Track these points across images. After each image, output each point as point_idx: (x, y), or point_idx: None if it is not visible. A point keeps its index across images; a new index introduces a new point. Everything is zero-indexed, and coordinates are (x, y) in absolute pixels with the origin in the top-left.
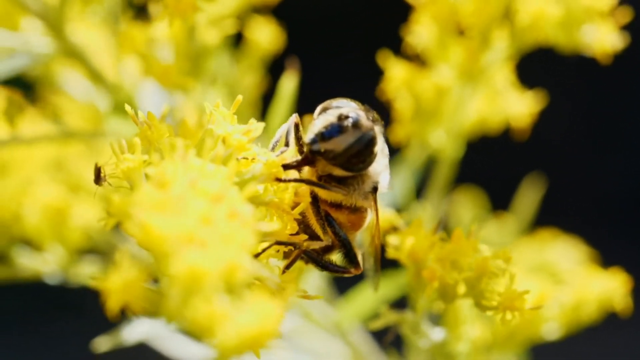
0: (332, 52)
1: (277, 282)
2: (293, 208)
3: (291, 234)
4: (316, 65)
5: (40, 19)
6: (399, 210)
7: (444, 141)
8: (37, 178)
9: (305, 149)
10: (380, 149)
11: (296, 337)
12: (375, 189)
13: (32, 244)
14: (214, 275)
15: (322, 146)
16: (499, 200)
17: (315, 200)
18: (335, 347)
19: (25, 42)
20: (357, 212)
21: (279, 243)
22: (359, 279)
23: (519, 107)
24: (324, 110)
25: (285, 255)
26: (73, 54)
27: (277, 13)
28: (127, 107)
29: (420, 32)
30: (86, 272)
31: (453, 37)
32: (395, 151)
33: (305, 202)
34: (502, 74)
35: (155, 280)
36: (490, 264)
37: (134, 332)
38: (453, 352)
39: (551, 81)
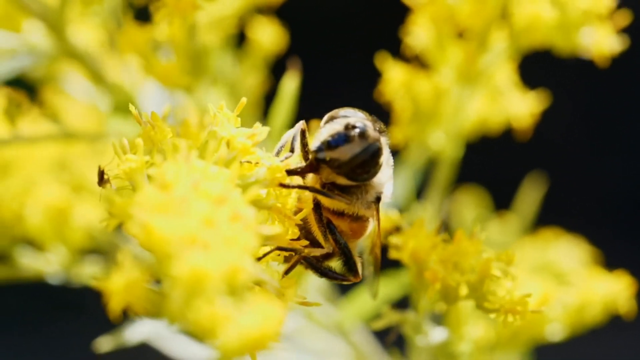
0: (334, 52)
1: (276, 286)
2: (295, 214)
3: (292, 239)
4: (318, 65)
5: (41, 20)
6: (400, 211)
7: (444, 142)
8: (39, 178)
9: (310, 156)
10: (386, 159)
11: (298, 337)
12: (378, 199)
13: (34, 244)
14: (216, 277)
15: (328, 154)
16: (501, 200)
17: (317, 207)
18: (337, 347)
19: (26, 43)
20: (359, 220)
21: (280, 249)
22: (360, 281)
23: (521, 107)
24: (331, 118)
25: (286, 260)
26: (74, 54)
27: (280, 14)
28: (131, 107)
29: (419, 33)
30: (88, 272)
31: (451, 38)
32: (395, 152)
33: (308, 209)
34: (503, 75)
35: (157, 281)
36: (493, 266)
37: (135, 332)
38: (455, 352)
39: (552, 81)
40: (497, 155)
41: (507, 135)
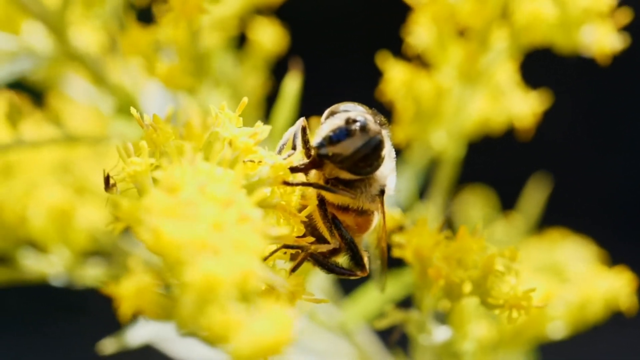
0: (336, 52)
1: (286, 285)
2: (300, 211)
3: (298, 237)
4: (320, 66)
5: (42, 22)
6: (403, 210)
7: (445, 142)
8: (42, 180)
9: (312, 152)
10: (388, 152)
11: (302, 338)
12: (382, 192)
13: (37, 246)
14: (228, 282)
15: (330, 150)
16: (503, 200)
17: (322, 203)
18: (340, 347)
19: (27, 46)
20: (364, 214)
21: (286, 247)
22: (364, 279)
23: (522, 107)
24: (332, 114)
25: (292, 258)
26: (75, 57)
27: (280, 14)
28: (133, 110)
29: (420, 33)
30: (91, 274)
31: (452, 37)
32: (397, 152)
33: (312, 205)
34: (504, 74)
35: (166, 286)
36: (497, 262)
37: (138, 334)
38: (459, 351)
39: (553, 80)
40: (498, 155)
41: (509, 135)
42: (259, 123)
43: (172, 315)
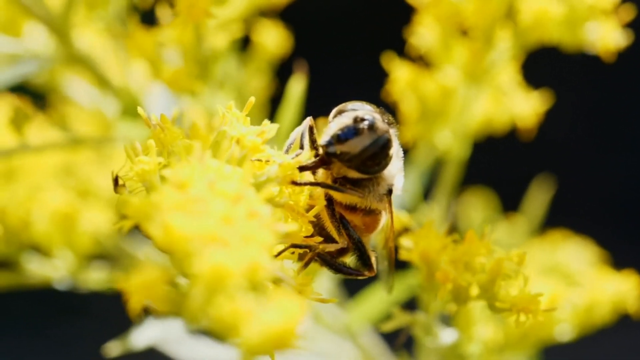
0: (340, 54)
1: (294, 284)
2: (307, 210)
3: (306, 236)
4: (324, 67)
5: (45, 24)
6: (408, 211)
7: (451, 142)
8: (45, 184)
9: (320, 151)
10: (395, 151)
11: (307, 340)
12: (389, 192)
13: (41, 250)
14: (237, 273)
15: (338, 148)
16: (506, 201)
17: (330, 202)
18: (345, 349)
19: (30, 49)
20: (372, 214)
21: (294, 246)
22: (369, 280)
23: (525, 107)
24: (340, 112)
25: (300, 257)
26: (79, 59)
27: (284, 16)
28: (140, 110)
29: (424, 33)
30: (94, 278)
31: (457, 37)
32: (404, 152)
33: (320, 205)
34: (507, 74)
35: (173, 284)
36: (504, 266)
37: (142, 336)
38: (465, 353)
39: (555, 79)
40: (501, 155)
41: (511, 135)
42: (266, 122)
43: (181, 309)
